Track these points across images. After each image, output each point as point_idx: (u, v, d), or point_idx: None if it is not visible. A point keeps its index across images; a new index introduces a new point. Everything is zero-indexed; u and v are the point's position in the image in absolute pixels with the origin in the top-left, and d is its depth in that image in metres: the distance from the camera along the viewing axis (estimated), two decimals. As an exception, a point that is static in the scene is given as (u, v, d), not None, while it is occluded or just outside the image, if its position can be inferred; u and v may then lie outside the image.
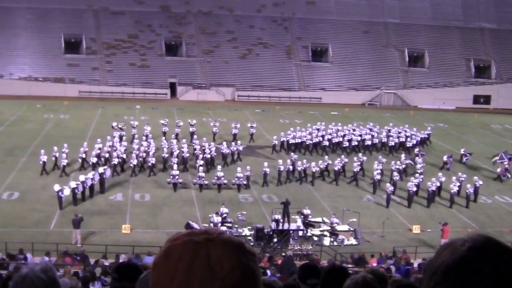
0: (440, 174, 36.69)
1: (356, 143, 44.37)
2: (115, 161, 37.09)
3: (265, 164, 36.96)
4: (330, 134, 45.25)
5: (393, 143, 44.73)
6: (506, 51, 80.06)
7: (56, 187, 30.56)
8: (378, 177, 35.95)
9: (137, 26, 75.28)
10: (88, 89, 67.93)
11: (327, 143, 43.91)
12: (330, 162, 37.99)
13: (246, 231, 28.80)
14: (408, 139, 45.58)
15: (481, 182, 35.53)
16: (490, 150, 45.92)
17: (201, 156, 38.10)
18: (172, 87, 70.58)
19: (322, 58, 77.59)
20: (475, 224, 32.08)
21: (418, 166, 38.55)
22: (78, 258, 23.18)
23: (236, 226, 29.08)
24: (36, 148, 42.05)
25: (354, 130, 46.67)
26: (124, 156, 37.98)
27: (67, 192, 30.81)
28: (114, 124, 45.81)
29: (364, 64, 75.94)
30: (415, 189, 34.09)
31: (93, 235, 27.60)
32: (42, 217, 29.60)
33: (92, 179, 32.73)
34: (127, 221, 29.54)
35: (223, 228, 26.41)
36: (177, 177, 34.80)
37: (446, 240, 27.85)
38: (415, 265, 22.16)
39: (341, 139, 44.56)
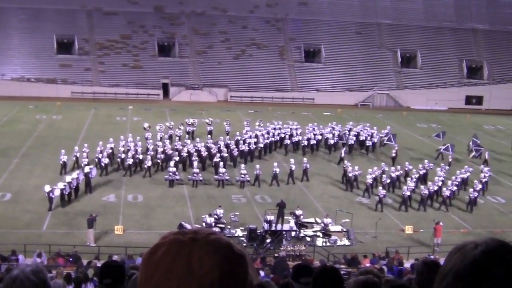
0: (436, 178, 36.28)
1: (315, 142, 44.88)
2: (130, 161, 37.00)
3: (275, 164, 37.24)
4: (284, 133, 45.76)
5: (352, 142, 45.58)
6: (498, 52, 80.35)
7: (47, 188, 30.48)
8: (370, 181, 35.82)
9: (130, 26, 75.08)
10: (80, 89, 67.72)
11: (288, 141, 44.51)
12: (386, 168, 37.89)
13: (239, 232, 28.84)
14: (368, 137, 46.26)
15: (480, 186, 35.67)
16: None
17: (218, 154, 38.29)
18: (165, 87, 70.40)
19: (315, 59, 77.60)
20: (467, 224, 32.18)
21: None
22: (71, 259, 23.09)
23: (229, 226, 29.09)
24: (29, 149, 41.95)
25: (313, 129, 47.05)
26: (140, 157, 37.74)
27: (57, 192, 30.71)
28: (146, 125, 45.41)
29: (357, 65, 76.04)
30: (408, 193, 33.96)
31: (85, 236, 27.48)
32: (34, 218, 29.49)
33: (77, 178, 32.57)
34: (120, 222, 29.49)
35: (216, 229, 26.39)
36: (175, 174, 34.95)
37: (439, 239, 27.96)
38: (408, 265, 22.17)
39: (300, 137, 45.06)
